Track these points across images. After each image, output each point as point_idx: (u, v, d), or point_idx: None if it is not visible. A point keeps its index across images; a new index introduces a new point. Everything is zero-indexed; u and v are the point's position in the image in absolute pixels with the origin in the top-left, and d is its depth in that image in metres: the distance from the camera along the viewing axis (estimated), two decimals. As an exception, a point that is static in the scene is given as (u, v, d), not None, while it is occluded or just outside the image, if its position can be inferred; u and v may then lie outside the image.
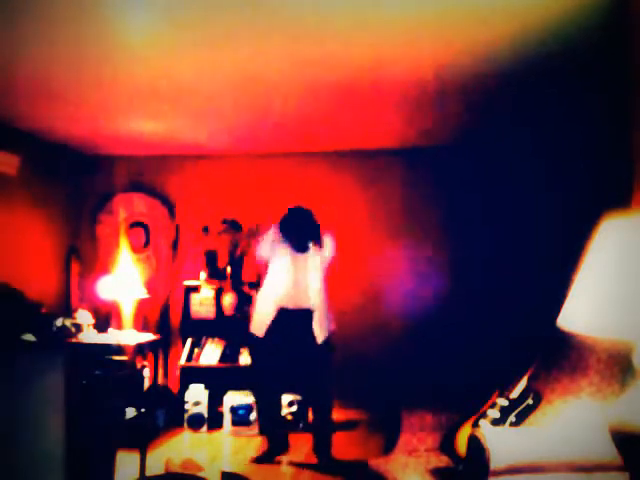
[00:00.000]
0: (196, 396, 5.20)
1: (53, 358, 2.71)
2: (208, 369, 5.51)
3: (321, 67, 3.47)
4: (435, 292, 5.46)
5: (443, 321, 5.36)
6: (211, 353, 5.54)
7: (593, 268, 1.51)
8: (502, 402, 2.65)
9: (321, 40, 3.07)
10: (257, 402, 4.80)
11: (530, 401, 2.59)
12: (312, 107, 4.34)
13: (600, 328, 1.45)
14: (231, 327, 5.54)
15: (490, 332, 4.96)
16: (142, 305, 5.48)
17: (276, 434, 4.44)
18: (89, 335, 4.90)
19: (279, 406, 4.60)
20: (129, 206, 6.02)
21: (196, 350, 5.57)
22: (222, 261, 5.67)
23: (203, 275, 5.63)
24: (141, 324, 5.57)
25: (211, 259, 5.67)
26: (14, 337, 2.79)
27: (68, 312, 5.25)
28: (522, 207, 5.00)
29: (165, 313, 5.93)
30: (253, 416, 5.06)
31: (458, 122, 4.79)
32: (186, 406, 5.19)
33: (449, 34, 3.00)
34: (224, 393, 5.18)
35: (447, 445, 2.88)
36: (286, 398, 5.09)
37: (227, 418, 5.10)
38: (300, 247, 4.33)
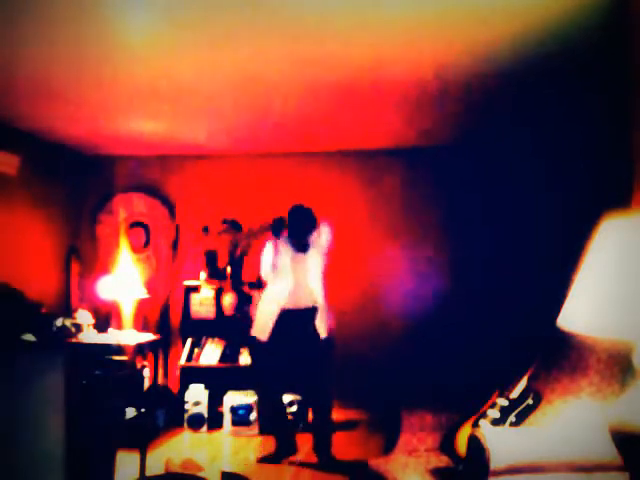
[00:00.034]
0: (196, 396, 5.20)
1: (53, 358, 2.71)
2: (208, 369, 5.51)
3: (321, 67, 3.47)
4: (435, 292, 5.46)
5: (443, 321, 5.36)
6: (211, 353, 5.54)
7: (593, 268, 1.51)
8: (502, 402, 2.65)
9: (321, 40, 3.07)
10: (262, 404, 4.81)
11: (530, 401, 2.59)
12: (312, 107, 4.34)
13: (600, 328, 1.45)
14: (231, 327, 5.54)
15: (490, 332, 4.96)
16: (142, 305, 5.48)
17: (284, 435, 4.44)
18: (89, 335, 4.90)
19: (284, 407, 4.62)
20: (129, 206, 6.02)
21: (196, 350, 5.57)
22: (222, 261, 5.67)
23: (203, 275, 5.63)
24: (141, 324, 5.57)
25: (211, 259, 5.67)
26: (14, 337, 2.79)
27: (68, 312, 5.25)
28: (522, 207, 5.00)
29: (165, 313, 5.93)
30: (253, 416, 5.06)
31: (458, 122, 4.79)
32: (186, 406, 5.19)
33: (449, 34, 3.00)
34: (224, 393, 5.18)
35: (447, 445, 2.88)
36: (286, 398, 5.09)
37: (227, 418, 5.10)
38: (300, 247, 4.34)
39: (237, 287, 5.59)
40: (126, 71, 3.56)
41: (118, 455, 3.32)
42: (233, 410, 5.08)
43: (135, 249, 5.96)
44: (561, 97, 3.98)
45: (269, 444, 4.56)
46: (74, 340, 4.52)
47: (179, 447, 4.76)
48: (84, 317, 5.00)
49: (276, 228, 4.43)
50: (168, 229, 6.00)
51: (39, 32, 2.97)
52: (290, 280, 4.28)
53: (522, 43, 3.09)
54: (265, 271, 4.43)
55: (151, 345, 5.19)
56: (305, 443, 4.56)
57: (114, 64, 3.43)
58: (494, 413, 2.62)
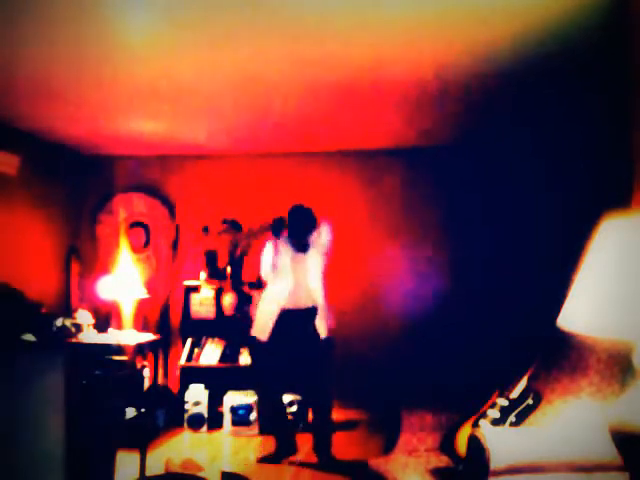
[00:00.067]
0: (196, 396, 5.20)
1: (53, 358, 2.71)
2: (208, 369, 5.51)
3: (321, 67, 3.47)
4: (435, 292, 5.46)
5: (443, 321, 5.36)
6: (211, 353, 5.54)
7: (593, 268, 1.51)
8: (502, 402, 2.65)
9: (321, 40, 3.07)
10: (262, 404, 4.81)
11: (530, 401, 2.59)
12: (312, 107, 4.34)
13: (600, 328, 1.45)
14: (231, 327, 5.54)
15: (490, 332, 4.96)
16: (142, 305, 5.48)
17: (284, 435, 4.44)
18: (89, 335, 4.90)
19: (284, 407, 4.62)
20: (129, 206, 6.02)
21: (196, 350, 5.57)
22: (222, 261, 5.67)
23: (203, 275, 5.63)
24: (141, 324, 5.57)
25: (211, 259, 5.67)
26: (14, 337, 2.79)
27: (68, 312, 5.24)
28: (522, 207, 5.00)
29: (165, 313, 5.93)
30: (253, 416, 5.06)
31: (458, 122, 4.79)
32: (186, 406, 5.19)
33: (449, 34, 3.00)
34: (224, 393, 5.18)
35: (447, 445, 2.88)
36: (286, 398, 5.09)
37: (227, 418, 5.10)
38: (300, 247, 4.34)
39: (237, 287, 5.59)
40: (126, 71, 3.56)
41: (118, 455, 3.32)
42: (233, 410, 5.08)
43: (135, 249, 5.96)
44: (561, 97, 3.98)
45: (269, 444, 4.56)
46: (74, 340, 4.52)
47: (179, 447, 4.76)
48: (84, 317, 5.00)
49: (276, 228, 4.43)
50: (168, 229, 6.00)
51: (39, 32, 2.97)
52: (290, 280, 4.28)
53: (522, 43, 3.09)
54: (265, 271, 4.43)
55: (151, 345, 5.19)
56: (305, 443, 4.56)
57: (114, 64, 3.43)
58: (494, 413, 2.62)
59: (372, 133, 5.17)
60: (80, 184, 6.01)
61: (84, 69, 3.51)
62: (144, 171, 6.01)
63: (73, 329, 4.26)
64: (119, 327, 5.20)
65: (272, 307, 4.30)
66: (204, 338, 5.60)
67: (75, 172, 5.93)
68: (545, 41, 3.07)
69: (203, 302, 5.65)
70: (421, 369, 5.09)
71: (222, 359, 5.50)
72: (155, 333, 5.46)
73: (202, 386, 5.27)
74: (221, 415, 5.16)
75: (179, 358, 5.60)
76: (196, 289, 5.69)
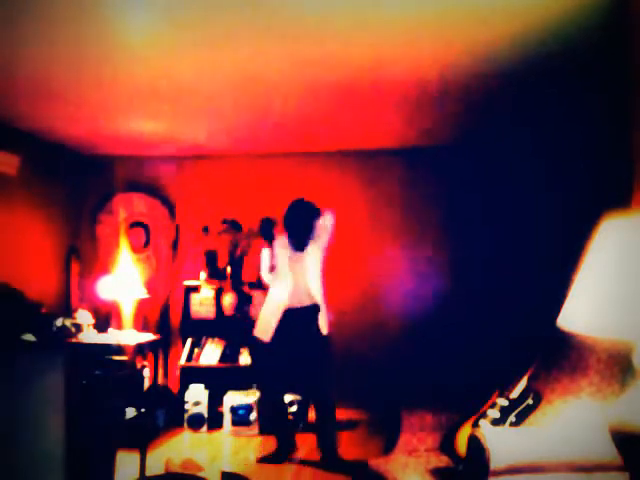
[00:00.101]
0: (196, 396, 5.20)
1: (53, 358, 2.71)
2: (208, 369, 5.51)
3: (321, 67, 3.47)
4: (435, 292, 5.46)
5: (443, 321, 5.36)
6: (211, 353, 5.54)
7: (593, 268, 1.51)
8: (502, 402, 2.65)
9: (321, 40, 3.07)
10: (263, 404, 4.80)
11: (530, 401, 2.59)
12: (312, 107, 4.34)
13: (600, 328, 1.45)
14: (231, 327, 5.54)
15: (490, 332, 4.96)
16: (142, 305, 5.48)
17: (285, 435, 4.44)
18: (89, 335, 4.90)
19: (286, 407, 4.62)
20: (129, 206, 6.02)
21: (196, 350, 5.57)
22: (222, 261, 5.67)
23: (203, 275, 5.63)
24: (141, 324, 5.57)
25: (211, 259, 5.67)
26: (14, 337, 2.79)
27: (68, 312, 5.25)
28: (522, 207, 5.00)
29: (165, 313, 5.93)
30: (253, 416, 5.06)
31: (458, 122, 4.78)
32: (186, 406, 5.19)
33: (449, 34, 3.00)
34: (224, 393, 5.18)
35: (447, 445, 2.88)
36: (286, 398, 5.09)
37: (227, 418, 5.10)
38: (298, 245, 4.34)
39: (237, 287, 5.59)
40: (126, 71, 3.56)
41: (118, 455, 3.32)
42: (233, 410, 5.08)
43: (135, 249, 5.96)
44: (561, 97, 3.98)
45: (269, 444, 4.57)
46: (74, 340, 4.52)
47: (179, 447, 4.76)
48: (84, 317, 5.00)
49: (264, 229, 4.42)
50: (168, 229, 6.00)
51: (39, 32, 2.97)
52: (289, 280, 4.28)
53: (522, 43, 3.09)
54: (264, 275, 4.45)
55: (151, 345, 5.19)
56: (305, 443, 4.56)
57: (114, 64, 3.43)
58: (494, 413, 2.62)
59: (372, 133, 5.17)
60: (80, 184, 6.01)
61: (84, 69, 3.51)
62: (144, 171, 6.01)
63: (73, 329, 4.26)
64: (119, 327, 5.21)
65: (273, 308, 4.30)
66: (204, 338, 5.60)
67: (75, 172, 5.93)
68: (545, 41, 3.07)
69: (203, 302, 5.65)
70: (421, 369, 5.09)
71: (222, 359, 5.50)
72: (155, 333, 5.46)
73: (202, 386, 5.27)
74: (221, 415, 5.16)
75: (179, 358, 5.60)
76: (196, 289, 5.69)
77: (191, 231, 5.93)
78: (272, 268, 4.39)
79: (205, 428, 5.16)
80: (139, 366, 5.22)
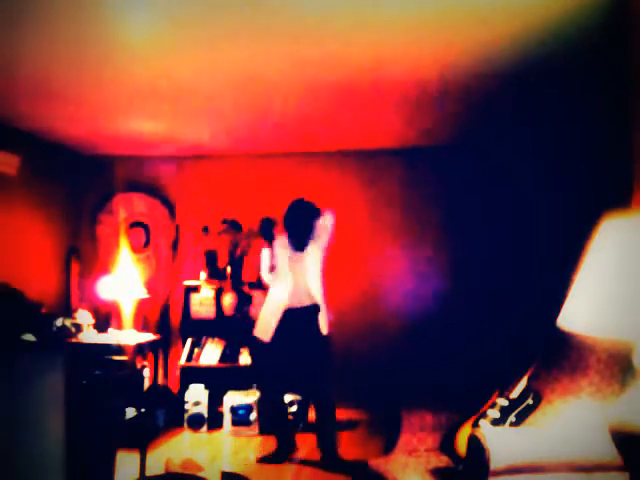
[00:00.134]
0: (196, 396, 5.20)
1: (53, 358, 2.71)
2: (208, 369, 5.51)
3: (321, 67, 3.47)
4: (435, 292, 5.46)
5: (443, 321, 5.36)
6: (211, 353, 5.54)
7: (593, 268, 1.51)
8: (502, 402, 2.65)
9: (321, 40, 3.07)
10: (263, 404, 4.80)
11: (530, 401, 2.59)
12: (312, 107, 4.34)
13: (600, 328, 1.45)
14: (231, 327, 5.54)
15: (490, 332, 4.96)
16: (142, 305, 5.48)
17: (285, 435, 4.44)
18: (89, 335, 4.90)
19: (286, 407, 4.62)
20: (129, 206, 6.02)
21: (196, 350, 5.57)
22: (222, 261, 5.67)
23: (203, 275, 5.63)
24: (141, 324, 5.57)
25: (211, 259, 5.67)
26: (14, 337, 2.79)
27: (68, 312, 5.25)
28: (522, 207, 5.00)
29: (165, 313, 5.93)
30: (253, 416, 5.06)
31: (458, 122, 4.79)
32: (186, 406, 5.19)
33: (449, 34, 3.00)
34: (224, 393, 5.17)
35: (447, 445, 2.88)
36: (286, 398, 5.09)
37: (227, 418, 5.10)
38: (298, 245, 4.34)
39: (237, 287, 5.59)
40: (126, 71, 3.56)
41: (118, 455, 3.32)
42: (233, 410, 5.08)
43: (135, 249, 5.96)
44: (561, 97, 3.98)
45: (269, 444, 4.56)
46: (74, 340, 4.52)
47: (179, 447, 4.76)
48: (84, 317, 5.01)
49: (264, 229, 4.41)
50: (168, 229, 6.00)
51: (39, 32, 2.97)
52: (289, 280, 4.28)
53: (522, 43, 3.09)
54: (264, 275, 4.44)
55: (151, 345, 5.20)
56: (305, 443, 4.56)
57: (114, 64, 3.43)
58: (494, 413, 2.62)
59: (372, 133, 5.17)
60: (80, 184, 6.01)
61: (84, 69, 3.51)
62: (144, 171, 6.01)
63: (73, 329, 4.25)
64: (119, 327, 5.21)
65: (273, 308, 4.30)
66: (204, 338, 5.60)
67: (75, 172, 5.93)
68: (545, 41, 3.07)
69: (203, 302, 5.65)
70: (421, 369, 5.09)
71: (222, 359, 5.50)
72: (155, 333, 5.47)
73: (202, 386, 5.27)
74: (221, 415, 5.16)
75: (179, 358, 5.60)
76: (196, 289, 5.69)
77: (191, 231, 5.93)
78: (272, 268, 4.39)
79: (205, 428, 5.15)
80: (139, 366, 5.22)
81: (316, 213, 4.32)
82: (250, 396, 5.11)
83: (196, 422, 5.16)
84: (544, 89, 3.87)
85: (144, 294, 5.19)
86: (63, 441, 2.64)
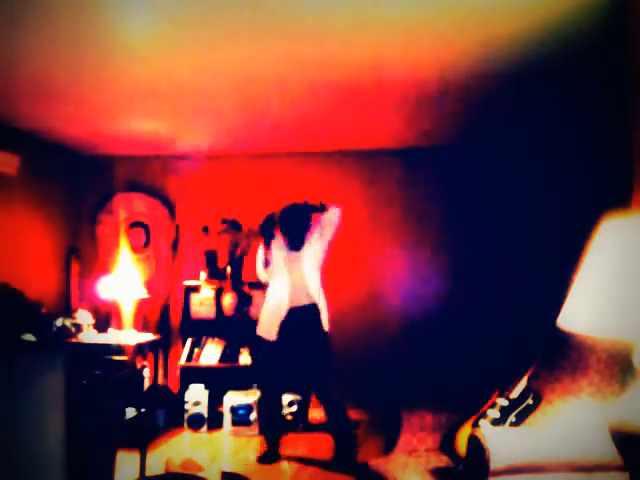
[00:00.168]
0: (196, 396, 5.20)
1: (53, 358, 2.71)
2: (208, 369, 5.51)
3: (321, 67, 3.47)
4: (435, 292, 5.46)
5: (443, 321, 5.36)
6: (211, 353, 5.54)
7: (593, 268, 1.51)
8: (502, 402, 2.65)
9: (321, 40, 3.07)
10: (262, 403, 4.79)
11: (530, 401, 2.59)
12: (312, 107, 4.34)
13: (600, 328, 1.45)
14: (231, 327, 5.54)
15: (490, 332, 4.96)
16: (142, 305, 5.48)
17: (274, 436, 4.43)
18: (89, 335, 4.90)
19: (282, 409, 4.61)
20: (129, 206, 6.02)
21: (196, 350, 5.57)
22: (222, 261, 5.67)
23: (203, 275, 5.63)
24: (141, 324, 5.57)
25: (211, 259, 5.67)
26: (14, 337, 2.79)
27: (68, 312, 5.25)
28: (522, 207, 5.00)
29: (165, 313, 5.93)
30: (253, 416, 5.06)
31: (458, 122, 4.78)
32: (186, 406, 5.19)
33: (449, 34, 3.00)
34: (224, 393, 5.18)
35: (447, 445, 2.88)
36: (286, 398, 5.09)
37: (227, 418, 5.10)
38: (294, 245, 4.34)
39: (237, 287, 5.59)
40: (126, 71, 3.56)
41: (118, 455, 3.32)
42: (233, 410, 5.08)
43: (135, 249, 5.96)
44: (561, 97, 3.98)
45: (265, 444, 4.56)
46: (74, 340, 4.52)
47: (179, 447, 4.77)
48: (84, 317, 5.00)
49: (266, 227, 4.39)
50: (168, 229, 6.00)
51: (39, 32, 2.97)
52: (286, 280, 4.28)
53: (522, 43, 3.09)
54: (260, 272, 4.43)
55: (151, 345, 5.19)
56: (305, 443, 4.56)
57: (114, 64, 3.43)
58: (494, 413, 2.62)
59: (372, 133, 5.17)
60: (80, 184, 6.01)
61: (84, 69, 3.51)
62: (144, 171, 6.01)
63: (73, 329, 4.25)
64: (119, 327, 5.21)
65: (275, 307, 4.30)
66: (204, 338, 5.60)
67: (75, 172, 5.93)
68: (545, 41, 3.07)
69: (203, 302, 5.65)
70: (421, 369, 5.08)
71: (222, 359, 5.50)
72: (155, 333, 5.46)
73: (202, 386, 5.27)
74: (221, 415, 5.16)
75: (179, 358, 5.60)
76: (196, 289, 5.69)
77: (191, 231, 5.93)
78: (267, 263, 4.35)
79: (205, 428, 5.16)
80: (139, 366, 5.22)
81: (311, 212, 4.33)
82: (250, 396, 5.11)
83: (196, 422, 5.16)
84: (544, 89, 3.87)
85: (144, 294, 5.19)
86: (63, 441, 2.64)
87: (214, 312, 5.62)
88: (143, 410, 4.75)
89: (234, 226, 5.72)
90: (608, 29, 2.85)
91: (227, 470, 4.14)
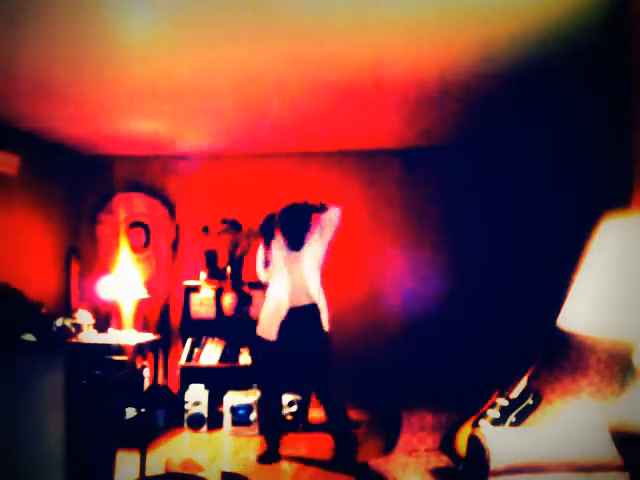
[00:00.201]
0: (196, 396, 5.20)
1: (53, 358, 2.71)
2: (208, 369, 5.51)
3: (321, 67, 3.47)
4: (435, 292, 5.46)
5: (443, 321, 5.36)
6: (211, 353, 5.54)
7: (593, 268, 1.51)
8: (502, 402, 2.65)
9: (321, 40, 3.07)
10: (263, 403, 4.79)
11: (530, 401, 2.59)
12: (312, 107, 4.34)
13: (600, 328, 1.45)
14: (231, 327, 5.54)
15: (490, 332, 4.95)
16: (142, 305, 5.48)
17: (274, 436, 4.43)
18: (89, 335, 4.90)
19: (282, 409, 4.60)
20: (129, 206, 6.02)
21: (196, 350, 5.57)
22: (222, 261, 5.67)
23: (203, 275, 5.63)
24: (141, 324, 5.57)
25: (211, 259, 5.67)
26: (14, 337, 2.79)
27: (68, 312, 5.25)
28: (522, 207, 5.00)
29: (165, 313, 5.93)
30: (253, 416, 5.06)
31: (458, 122, 4.78)
32: (186, 406, 5.19)
33: (449, 34, 3.00)
34: (224, 393, 5.18)
35: (447, 445, 2.88)
36: (286, 398, 5.09)
37: (227, 418, 5.10)
38: (294, 246, 4.34)
39: (237, 287, 5.59)
40: (126, 71, 3.56)
41: (118, 455, 3.32)
42: (233, 410, 5.08)
43: (135, 249, 5.96)
44: (561, 97, 3.98)
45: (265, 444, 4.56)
46: (74, 340, 4.52)
47: (179, 447, 4.77)
48: (84, 317, 5.00)
49: (266, 226, 4.38)
50: (168, 229, 6.00)
51: (39, 32, 2.97)
52: (286, 280, 4.28)
53: (522, 43, 3.09)
54: (259, 271, 4.42)
55: (151, 345, 5.19)
56: (305, 443, 4.56)
57: (114, 64, 3.43)
58: (494, 413, 2.62)
59: (372, 133, 5.17)
60: (80, 184, 6.01)
61: (84, 69, 3.51)
62: (144, 171, 6.01)
63: (73, 329, 4.26)
64: (119, 327, 5.21)
65: (275, 307, 4.30)
66: (204, 338, 5.60)
67: (75, 172, 5.93)
68: (545, 41, 3.07)
69: (203, 302, 5.65)
70: (421, 369, 5.08)
71: (222, 359, 5.50)
72: (155, 333, 5.46)
73: (202, 386, 5.27)
74: (221, 415, 5.16)
75: (179, 358, 5.60)
76: (196, 289, 5.69)
77: (191, 231, 5.93)
78: (267, 263, 4.36)
79: (205, 428, 5.16)
80: (139, 366, 5.22)
81: (311, 212, 4.33)
82: (250, 396, 5.11)
83: (196, 422, 5.16)
84: (544, 89, 3.87)
85: (144, 294, 5.19)
86: (63, 441, 2.64)
87: (214, 312, 5.62)
88: (143, 410, 4.75)
89: (234, 226, 5.72)
90: (608, 29, 2.85)
91: (227, 470, 4.14)
